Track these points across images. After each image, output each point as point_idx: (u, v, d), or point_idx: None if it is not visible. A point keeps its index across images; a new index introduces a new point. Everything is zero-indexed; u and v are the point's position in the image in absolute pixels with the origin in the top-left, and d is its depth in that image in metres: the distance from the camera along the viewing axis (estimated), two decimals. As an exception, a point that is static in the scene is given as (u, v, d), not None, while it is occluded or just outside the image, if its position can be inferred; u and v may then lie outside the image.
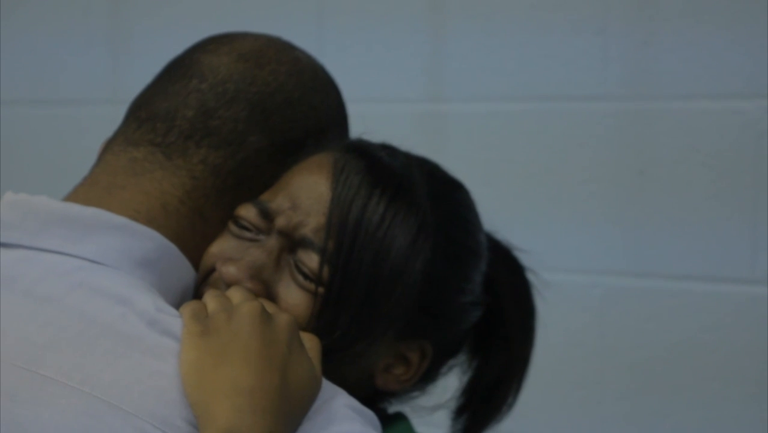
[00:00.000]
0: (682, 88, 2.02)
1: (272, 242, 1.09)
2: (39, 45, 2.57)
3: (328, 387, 1.02)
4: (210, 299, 1.03)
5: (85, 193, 1.11)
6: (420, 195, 1.09)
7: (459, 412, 1.24)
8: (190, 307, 1.02)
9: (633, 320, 2.06)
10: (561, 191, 2.10)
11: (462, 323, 1.16)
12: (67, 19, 2.54)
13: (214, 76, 1.14)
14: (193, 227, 1.11)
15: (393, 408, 1.20)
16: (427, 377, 1.18)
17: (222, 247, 1.11)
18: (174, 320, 1.01)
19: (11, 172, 2.54)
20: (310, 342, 1.03)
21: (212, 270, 1.11)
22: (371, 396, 1.15)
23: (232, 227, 1.11)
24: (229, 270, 1.07)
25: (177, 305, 1.08)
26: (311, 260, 1.07)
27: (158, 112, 1.14)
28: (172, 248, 1.09)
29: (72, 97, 2.55)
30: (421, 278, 1.08)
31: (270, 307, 1.03)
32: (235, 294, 1.04)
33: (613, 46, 2.07)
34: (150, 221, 1.09)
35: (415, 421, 1.21)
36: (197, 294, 1.11)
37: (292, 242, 1.08)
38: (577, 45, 2.10)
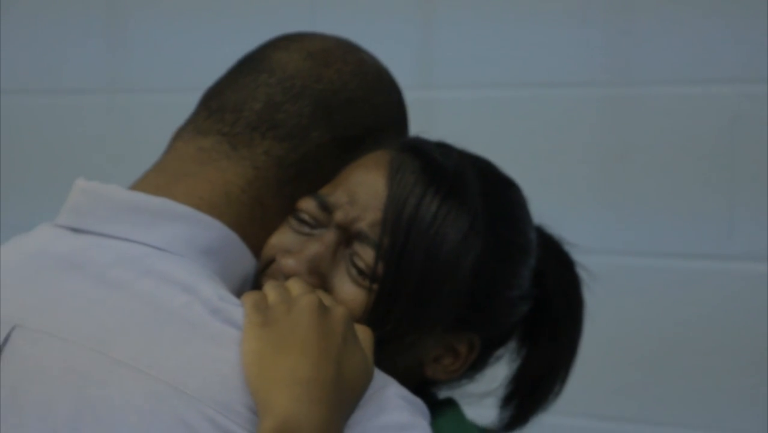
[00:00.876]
0: (661, 74, 2.08)
1: (330, 235, 1.12)
2: (38, 36, 2.61)
3: (379, 377, 1.05)
4: (270, 289, 1.07)
5: (154, 179, 1.15)
6: (472, 194, 1.13)
7: (507, 400, 1.28)
8: (251, 297, 1.05)
9: (618, 297, 2.13)
10: (549, 175, 2.15)
11: (510, 316, 1.20)
12: (65, 10, 2.58)
13: (283, 71, 1.18)
14: (253, 215, 1.15)
15: (442, 394, 1.24)
16: (475, 367, 1.22)
17: (281, 239, 1.14)
18: (236, 309, 1.04)
19: (12, 161, 2.59)
20: (364, 334, 1.06)
21: (272, 261, 1.14)
22: (421, 384, 1.19)
23: (292, 221, 1.15)
24: (288, 262, 1.11)
25: (238, 291, 1.13)
26: (366, 253, 1.10)
27: (228, 103, 1.17)
28: (234, 237, 1.13)
29: (71, 86, 2.60)
30: (471, 274, 1.12)
31: (327, 299, 1.07)
32: (294, 286, 1.08)
33: (595, 34, 2.13)
34: (212, 208, 1.12)
35: (466, 408, 1.25)
36: (257, 283, 1.15)
37: (348, 236, 1.12)
38: (562, 34, 2.16)
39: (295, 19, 2.34)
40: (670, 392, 2.12)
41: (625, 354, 2.14)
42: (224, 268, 1.12)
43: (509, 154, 2.20)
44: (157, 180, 1.15)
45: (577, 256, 1.29)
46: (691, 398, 2.10)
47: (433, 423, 1.10)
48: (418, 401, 1.07)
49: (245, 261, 1.15)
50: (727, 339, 2.07)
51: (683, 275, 2.08)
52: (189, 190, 1.13)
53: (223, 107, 1.18)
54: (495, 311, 1.18)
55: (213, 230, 1.11)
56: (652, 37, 2.09)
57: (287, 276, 1.12)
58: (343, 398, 1.00)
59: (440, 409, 1.21)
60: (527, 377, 1.27)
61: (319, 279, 1.12)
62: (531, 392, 1.27)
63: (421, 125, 2.23)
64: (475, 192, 1.14)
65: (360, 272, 1.11)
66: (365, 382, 1.03)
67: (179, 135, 1.20)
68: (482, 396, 1.27)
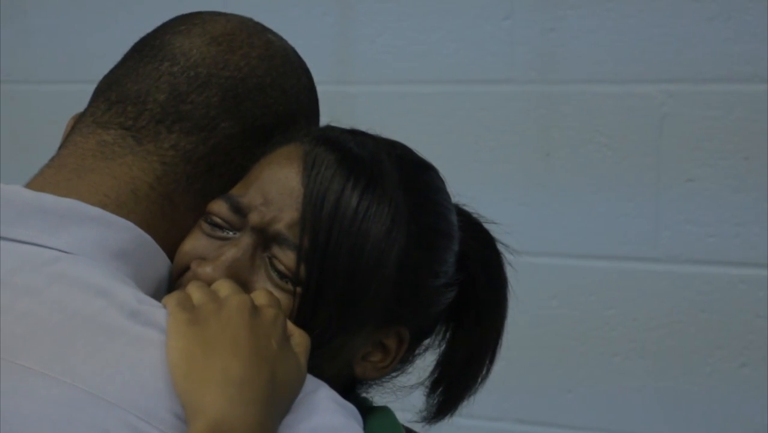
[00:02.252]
0: (586, 72, 2.07)
1: (246, 239, 1.07)
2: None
3: (310, 380, 1.02)
4: (195, 289, 1.02)
5: (53, 176, 1.09)
6: (391, 185, 1.09)
7: (434, 386, 1.24)
8: (174, 296, 1.00)
9: (538, 298, 2.11)
10: (469, 173, 2.13)
11: (438, 304, 1.16)
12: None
13: (186, 59, 1.12)
14: (162, 213, 1.09)
15: (372, 391, 1.20)
16: (404, 359, 1.18)
17: (195, 245, 1.09)
18: (157, 310, 0.99)
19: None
20: (300, 337, 1.03)
21: (186, 269, 1.09)
22: (350, 384, 1.15)
23: (204, 225, 1.10)
24: (206, 270, 1.06)
25: (153, 296, 1.06)
26: (286, 257, 1.06)
27: (129, 94, 1.11)
28: (148, 239, 1.07)
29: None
30: (397, 268, 1.08)
31: (260, 299, 1.03)
32: (222, 286, 1.03)
33: (519, 31, 2.11)
34: (119, 207, 1.07)
35: (395, 405, 1.21)
36: (172, 292, 1.08)
37: (266, 238, 1.07)
38: (485, 30, 2.13)
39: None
40: (590, 394, 2.10)
41: (546, 356, 2.12)
42: (138, 271, 1.06)
43: (430, 151, 2.19)
44: (56, 177, 1.09)
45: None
46: (612, 401, 2.08)
47: (366, 426, 1.07)
48: (349, 405, 1.03)
49: (159, 264, 1.09)
50: (653, 341, 2.06)
51: (608, 276, 2.07)
52: (93, 187, 1.07)
53: (124, 98, 1.11)
54: (422, 302, 1.14)
55: (125, 232, 1.06)
56: (579, 35, 2.08)
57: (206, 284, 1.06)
58: (276, 401, 0.96)
59: (373, 413, 1.16)
60: (454, 360, 1.23)
61: (239, 285, 1.06)
62: (458, 376, 1.23)
63: (338, 122, 2.19)
64: (394, 181, 1.09)
65: (281, 275, 1.06)
66: (298, 385, 0.99)
67: (77, 129, 1.13)
68: (413, 388, 1.23)
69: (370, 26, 2.22)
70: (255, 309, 0.99)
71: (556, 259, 2.10)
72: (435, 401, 1.24)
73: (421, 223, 1.11)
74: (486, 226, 1.23)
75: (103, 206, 1.06)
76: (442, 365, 1.23)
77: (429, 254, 1.12)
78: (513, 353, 2.13)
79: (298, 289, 1.05)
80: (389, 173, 1.09)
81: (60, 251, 1.02)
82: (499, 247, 1.23)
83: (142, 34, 1.16)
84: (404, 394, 1.22)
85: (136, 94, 1.11)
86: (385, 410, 1.17)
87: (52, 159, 1.12)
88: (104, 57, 1.22)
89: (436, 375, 1.23)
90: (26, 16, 2.47)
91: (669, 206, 2.03)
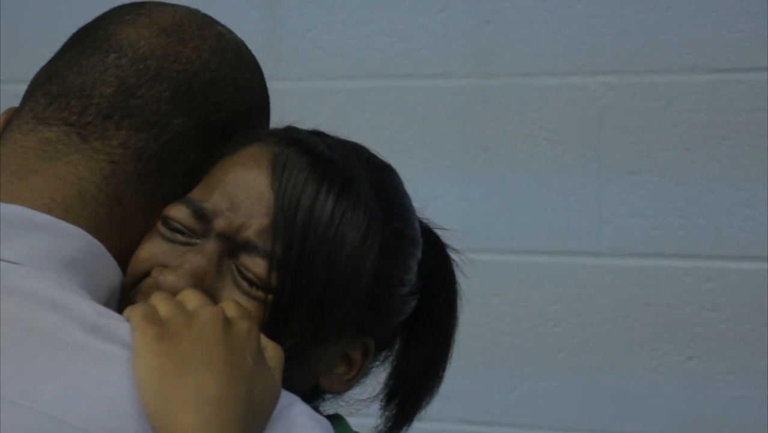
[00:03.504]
0: (524, 65, 2.05)
1: (211, 246, 1.02)
2: None
3: (284, 395, 0.96)
4: (160, 301, 0.96)
5: None
6: (364, 190, 1.05)
7: (389, 400, 1.19)
8: (139, 309, 0.94)
9: (479, 296, 2.08)
10: (406, 169, 2.09)
11: (402, 314, 1.12)
12: None
13: (134, 51, 1.05)
14: (111, 215, 1.03)
15: (328, 403, 1.16)
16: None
17: (153, 251, 1.03)
18: (119, 324, 0.93)
19: None
20: (274, 351, 0.98)
21: (143, 276, 1.03)
22: (308, 396, 1.10)
23: (162, 229, 1.04)
24: (168, 279, 1.00)
25: (104, 306, 1.00)
26: (257, 265, 1.01)
27: (72, 87, 1.05)
28: (98, 246, 1.01)
29: None
30: (371, 276, 1.04)
31: (231, 311, 0.97)
32: (191, 297, 0.97)
33: (455, 24, 2.08)
34: (66, 210, 1.00)
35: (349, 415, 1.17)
36: (128, 301, 1.03)
37: (233, 246, 1.02)
38: (419, 23, 2.10)
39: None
40: (536, 392, 2.07)
41: (489, 354, 2.09)
42: (89, 281, 1.00)
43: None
44: None
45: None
46: (558, 398, 2.06)
47: None
48: (323, 420, 0.99)
49: (110, 272, 1.03)
50: (598, 336, 2.04)
51: (551, 271, 2.05)
52: (37, 190, 1.01)
53: (67, 92, 1.05)
54: (390, 311, 1.11)
55: (75, 240, 1.00)
56: (515, 27, 2.05)
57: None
58: (254, 419, 0.91)
59: (333, 423, 1.12)
60: (408, 371, 1.18)
61: (205, 294, 1.02)
62: (414, 387, 1.19)
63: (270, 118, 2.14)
64: (366, 186, 1.06)
65: (251, 283, 1.01)
66: (274, 401, 0.95)
67: (15, 125, 1.06)
68: (370, 401, 1.18)
69: (300, 21, 2.17)
70: (228, 322, 0.94)
71: (497, 255, 2.08)
72: (391, 414, 1.19)
73: (392, 229, 1.07)
74: (435, 231, 1.19)
75: (49, 210, 1.00)
76: (396, 377, 1.19)
77: (397, 262, 1.09)
78: (455, 352, 2.09)
79: (270, 297, 1.00)
80: (361, 177, 1.06)
81: (8, 261, 0.96)
82: (450, 252, 1.19)
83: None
84: (361, 406, 1.17)
85: (80, 88, 1.04)
86: (341, 419, 1.13)
87: None
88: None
89: (390, 389, 1.19)
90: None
91: (611, 200, 2.01)
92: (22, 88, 1.09)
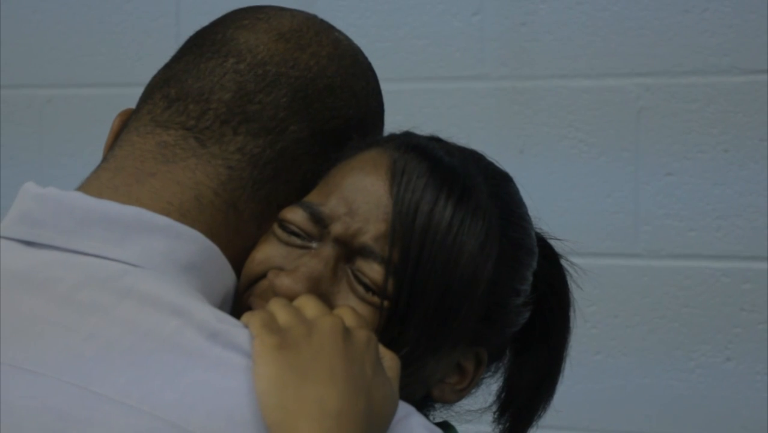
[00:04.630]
0: (559, 67, 2.04)
1: (328, 250, 1.00)
2: None
3: (401, 405, 0.95)
4: (278, 308, 0.94)
5: (110, 180, 1.01)
6: (483, 197, 1.03)
7: (501, 413, 1.17)
8: (258, 316, 0.92)
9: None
10: None
11: (515, 325, 1.11)
12: None
13: (253, 56, 1.04)
14: (227, 221, 1.01)
15: (437, 413, 1.14)
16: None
17: (269, 253, 1.02)
18: (239, 331, 0.91)
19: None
20: (391, 361, 0.96)
21: (258, 278, 1.02)
22: (418, 404, 1.08)
23: (278, 232, 1.02)
24: (284, 282, 0.99)
25: (219, 309, 1.00)
26: (373, 270, 0.99)
27: (190, 91, 1.03)
28: (215, 250, 1.00)
29: None
30: (489, 285, 1.03)
31: (349, 320, 0.95)
32: (309, 305, 0.95)
33: (490, 26, 2.07)
34: (183, 215, 0.99)
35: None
36: (242, 304, 1.02)
37: (349, 251, 1.01)
38: (454, 25, 2.09)
39: None
40: (571, 394, 2.07)
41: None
42: (206, 285, 0.99)
43: None
44: (114, 181, 1.01)
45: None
46: (594, 400, 2.05)
47: None
48: (438, 430, 0.97)
49: (226, 276, 1.02)
50: (635, 338, 2.03)
51: (588, 273, 2.04)
52: (155, 193, 1.00)
53: (185, 96, 1.04)
54: (504, 322, 1.09)
55: (193, 243, 0.98)
56: (551, 29, 2.05)
57: (284, 297, 0.99)
58: (373, 430, 0.90)
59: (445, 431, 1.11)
60: (521, 385, 1.17)
61: (320, 299, 1.00)
62: (528, 400, 1.17)
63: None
64: (485, 194, 1.04)
65: (367, 288, 1.00)
66: (393, 412, 0.93)
67: (133, 127, 1.05)
68: (481, 412, 1.16)
69: (333, 23, 2.16)
70: (347, 332, 0.92)
71: (533, 257, 2.07)
72: (504, 427, 1.18)
73: (510, 238, 1.06)
74: (550, 241, 1.18)
75: (167, 214, 0.99)
76: (508, 389, 1.17)
77: (514, 271, 1.07)
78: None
79: (386, 303, 0.99)
80: (480, 184, 1.04)
81: (126, 263, 0.95)
82: (564, 263, 1.19)
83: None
84: (472, 418, 1.16)
85: (198, 92, 1.03)
86: (450, 427, 1.12)
87: (107, 160, 1.04)
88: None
89: (503, 402, 1.17)
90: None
91: (648, 201, 2.00)
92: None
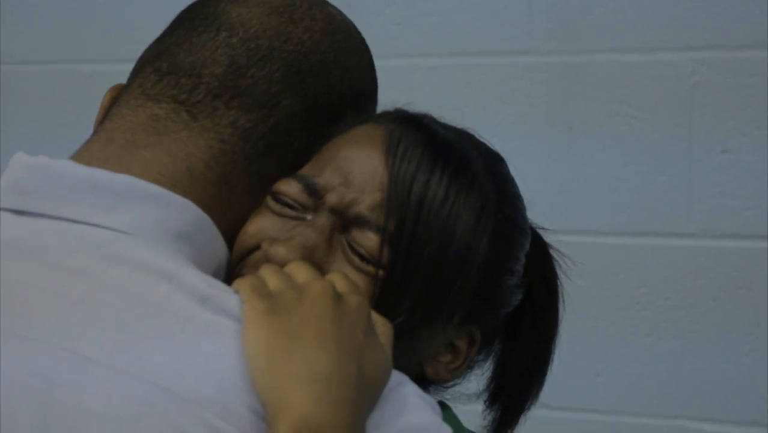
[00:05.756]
0: (611, 40, 2.00)
1: (323, 220, 1.01)
2: None
3: (394, 374, 0.95)
4: (269, 274, 0.94)
5: (100, 151, 1.01)
6: (479, 172, 1.03)
7: (492, 400, 1.18)
8: (248, 281, 0.92)
9: (563, 278, 2.03)
10: None
11: (508, 306, 1.11)
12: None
13: (246, 30, 1.04)
14: (219, 195, 1.01)
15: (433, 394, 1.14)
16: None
17: (262, 225, 1.02)
18: (229, 296, 0.91)
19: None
20: (383, 327, 0.95)
21: (252, 250, 1.02)
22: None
23: (272, 204, 1.02)
24: (279, 251, 0.99)
25: None
26: (369, 240, 0.99)
27: (182, 65, 1.04)
28: (207, 220, 1.00)
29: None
30: (483, 260, 1.02)
31: (340, 285, 0.95)
32: (299, 270, 0.95)
33: (539, -2, 2.03)
34: (175, 186, 0.99)
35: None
36: (234, 275, 1.01)
37: (345, 221, 1.01)
38: (503, -2, 2.05)
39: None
40: (622, 377, 2.02)
41: (573, 338, 2.04)
42: (198, 255, 0.99)
43: None
44: (104, 152, 1.01)
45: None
46: (645, 384, 2.01)
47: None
48: (432, 400, 0.97)
49: (218, 247, 1.02)
50: (687, 320, 1.99)
51: (639, 253, 2.00)
52: (146, 164, 1.00)
53: (177, 69, 1.04)
54: (498, 301, 1.09)
55: (186, 212, 0.98)
56: (602, 1, 1.99)
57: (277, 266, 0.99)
58: (365, 397, 0.89)
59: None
60: (512, 371, 1.17)
61: (316, 269, 1.00)
62: (518, 387, 1.18)
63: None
64: (482, 169, 1.04)
65: (362, 258, 1.00)
66: (385, 379, 0.92)
67: (123, 101, 1.05)
68: (477, 396, 1.17)
69: (375, -2, 2.13)
70: (338, 296, 0.92)
71: (582, 237, 2.03)
72: (495, 416, 1.18)
73: (505, 215, 1.06)
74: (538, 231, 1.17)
75: (159, 185, 0.99)
76: (499, 375, 1.17)
77: (508, 249, 1.07)
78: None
79: (381, 272, 0.98)
80: (477, 160, 1.04)
81: (117, 231, 0.95)
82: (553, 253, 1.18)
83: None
84: (465, 402, 1.16)
85: (190, 66, 1.04)
86: (446, 406, 1.11)
87: (97, 133, 1.04)
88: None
89: (494, 389, 1.18)
90: None
91: (703, 179, 1.96)
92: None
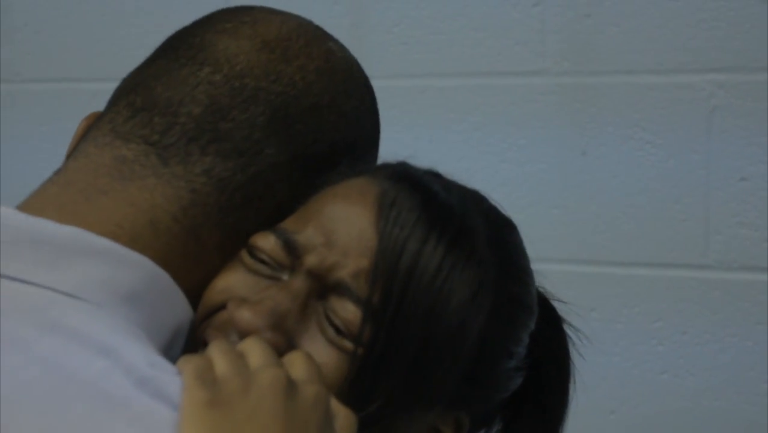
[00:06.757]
0: (626, 62, 1.93)
1: (299, 283, 0.91)
2: None
3: None
4: (218, 355, 0.83)
5: (56, 196, 0.92)
6: (481, 242, 0.93)
7: None
8: (193, 363, 0.82)
9: (574, 310, 1.95)
10: (497, 174, 1.99)
11: (505, 391, 1.01)
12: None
13: (231, 66, 0.95)
14: (185, 251, 0.92)
15: None
16: None
17: (232, 282, 0.93)
18: (171, 378, 0.81)
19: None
20: (345, 420, 0.84)
21: (218, 308, 0.92)
22: None
23: (246, 258, 0.93)
24: (245, 315, 0.89)
25: (168, 347, 0.90)
26: (347, 311, 0.89)
27: (158, 101, 0.94)
28: (165, 277, 0.90)
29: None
30: (477, 341, 0.93)
31: (298, 371, 0.84)
32: (253, 352, 0.84)
33: (552, 18, 1.96)
34: (133, 240, 0.90)
35: None
36: (197, 336, 0.93)
37: (323, 287, 0.91)
38: (513, 17, 1.98)
39: None
40: (635, 416, 1.94)
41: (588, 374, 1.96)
42: (152, 318, 0.89)
43: (453, 151, 2.04)
44: (60, 198, 0.91)
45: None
46: (659, 423, 1.92)
47: None
48: None
49: (178, 308, 0.92)
50: (704, 356, 1.90)
51: (653, 285, 1.92)
52: (105, 214, 0.90)
53: (152, 106, 0.94)
54: (492, 386, 0.99)
55: (137, 269, 0.88)
56: (617, 21, 1.92)
57: (242, 332, 0.89)
58: None
59: None
60: None
61: (284, 338, 0.90)
62: None
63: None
64: (484, 238, 0.93)
65: (338, 331, 0.90)
66: None
67: (92, 136, 0.95)
68: None
69: (386, 15, 2.06)
70: (292, 387, 0.81)
71: (595, 267, 1.95)
72: None
73: (508, 292, 0.96)
74: (553, 303, 1.07)
75: (115, 238, 0.88)
76: None
77: (508, 330, 0.97)
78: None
79: (359, 350, 0.88)
80: (478, 227, 0.93)
81: (57, 291, 0.85)
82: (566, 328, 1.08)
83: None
84: None
85: (166, 103, 0.94)
86: None
87: (58, 172, 0.95)
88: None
89: None
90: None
91: (720, 208, 1.87)
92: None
